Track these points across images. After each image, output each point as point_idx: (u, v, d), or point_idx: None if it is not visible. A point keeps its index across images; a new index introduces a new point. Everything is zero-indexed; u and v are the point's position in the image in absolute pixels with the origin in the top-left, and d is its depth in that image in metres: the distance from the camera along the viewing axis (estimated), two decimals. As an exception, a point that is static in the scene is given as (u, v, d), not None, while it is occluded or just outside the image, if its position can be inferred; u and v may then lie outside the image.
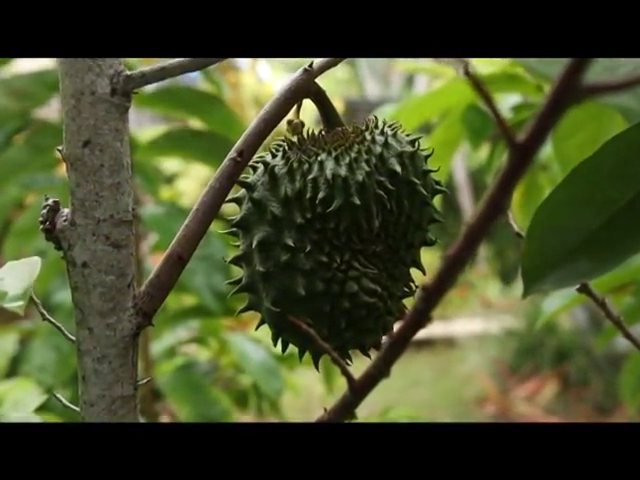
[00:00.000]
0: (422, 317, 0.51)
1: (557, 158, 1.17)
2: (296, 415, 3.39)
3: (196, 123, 2.19)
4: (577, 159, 1.19)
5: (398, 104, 1.58)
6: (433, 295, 0.50)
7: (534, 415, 5.24)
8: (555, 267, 0.61)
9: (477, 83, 0.42)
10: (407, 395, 5.62)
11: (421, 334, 0.53)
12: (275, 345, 0.75)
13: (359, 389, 0.58)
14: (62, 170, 2.08)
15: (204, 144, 1.87)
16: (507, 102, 1.51)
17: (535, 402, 5.48)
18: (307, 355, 0.76)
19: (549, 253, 0.61)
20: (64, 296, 1.98)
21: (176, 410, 2.09)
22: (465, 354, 6.47)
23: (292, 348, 0.74)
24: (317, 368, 0.75)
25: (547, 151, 1.64)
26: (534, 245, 0.62)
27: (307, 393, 3.56)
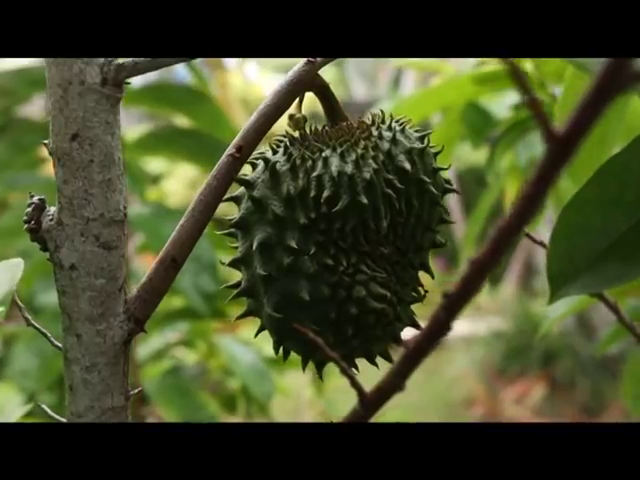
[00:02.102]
0: (442, 327, 0.47)
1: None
2: (285, 418, 3.34)
3: (182, 121, 2.14)
4: (583, 159, 1.15)
5: (395, 101, 1.54)
6: (456, 303, 0.46)
7: (522, 417, 5.22)
8: (583, 271, 0.57)
9: (515, 70, 0.38)
10: (395, 397, 5.58)
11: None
12: (277, 353, 0.70)
13: (371, 404, 0.54)
14: (45, 169, 2.03)
15: (191, 142, 1.83)
16: (508, 100, 1.47)
17: (523, 404, 5.46)
18: (297, 357, 0.72)
19: (576, 256, 0.57)
20: (48, 298, 1.93)
21: (163, 414, 2.05)
22: (453, 356, 6.44)
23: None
24: (321, 377, 0.71)
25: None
26: (560, 247, 0.58)
27: (295, 395, 3.52)
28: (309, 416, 3.50)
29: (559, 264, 0.58)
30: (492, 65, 1.40)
